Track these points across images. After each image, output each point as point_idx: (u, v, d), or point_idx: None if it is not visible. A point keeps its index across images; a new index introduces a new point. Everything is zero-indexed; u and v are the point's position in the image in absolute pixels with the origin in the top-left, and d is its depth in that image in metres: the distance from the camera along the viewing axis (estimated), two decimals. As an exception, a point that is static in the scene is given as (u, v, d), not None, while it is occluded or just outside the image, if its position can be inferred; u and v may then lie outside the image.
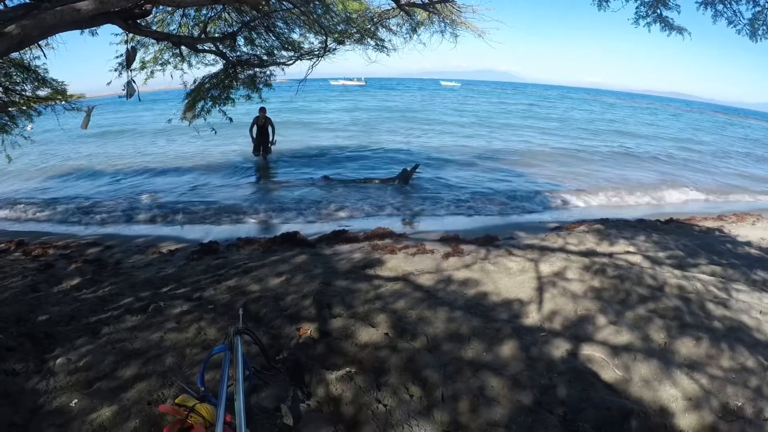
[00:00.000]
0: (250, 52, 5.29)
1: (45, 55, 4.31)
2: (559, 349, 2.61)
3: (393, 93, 49.17)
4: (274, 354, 2.46)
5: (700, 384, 2.33)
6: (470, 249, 4.58)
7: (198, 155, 12.22)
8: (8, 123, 5.16)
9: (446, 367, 2.33)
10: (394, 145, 13.98)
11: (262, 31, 4.99)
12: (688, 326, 2.92)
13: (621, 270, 3.74)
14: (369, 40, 5.18)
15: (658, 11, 4.77)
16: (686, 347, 2.69)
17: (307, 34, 5.09)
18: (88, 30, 3.78)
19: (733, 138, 25.20)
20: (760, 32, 4.67)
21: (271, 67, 5.50)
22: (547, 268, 3.78)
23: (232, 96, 5.59)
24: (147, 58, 4.99)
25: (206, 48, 4.87)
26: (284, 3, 4.41)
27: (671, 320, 2.99)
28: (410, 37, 5.59)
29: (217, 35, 4.86)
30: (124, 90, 4.19)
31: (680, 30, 4.84)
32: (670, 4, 4.68)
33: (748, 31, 4.67)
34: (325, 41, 4.82)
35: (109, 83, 4.56)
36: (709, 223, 6.53)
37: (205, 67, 5.44)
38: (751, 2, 4.58)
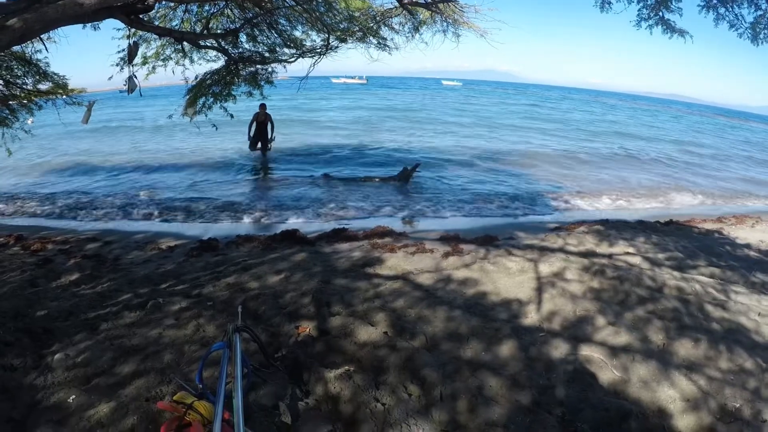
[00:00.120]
0: (252, 48, 5.28)
1: (47, 49, 4.29)
2: (558, 349, 2.61)
3: (394, 92, 49.18)
4: (272, 352, 2.46)
5: (698, 385, 2.34)
6: (470, 248, 4.58)
7: (198, 152, 12.21)
8: (9, 116, 5.14)
9: (445, 367, 2.33)
10: (395, 144, 13.97)
11: (265, 28, 4.97)
12: (686, 328, 2.92)
13: (620, 271, 3.75)
14: (371, 38, 5.17)
15: (660, 14, 4.77)
16: (685, 348, 2.69)
17: (310, 32, 5.07)
18: (90, 24, 3.77)
19: (734, 141, 25.20)
20: (761, 36, 4.67)
21: (272, 64, 5.49)
22: (546, 268, 3.78)
23: (233, 92, 5.58)
24: (149, 54, 4.98)
25: (208, 44, 4.86)
26: (287, 0, 4.40)
27: (670, 321, 2.99)
28: (412, 36, 5.59)
29: (219, 31, 4.84)
30: (125, 85, 4.17)
31: (682, 33, 4.84)
32: (672, 6, 4.68)
33: (749, 35, 4.68)
34: (328, 39, 4.81)
35: (110, 78, 4.55)
36: (709, 225, 6.54)
37: (206, 63, 5.43)
38: (752, 6, 4.58)
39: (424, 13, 5.30)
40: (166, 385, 2.08)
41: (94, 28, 4.10)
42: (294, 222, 6.42)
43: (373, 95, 41.12)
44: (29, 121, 5.55)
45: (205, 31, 4.66)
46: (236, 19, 4.94)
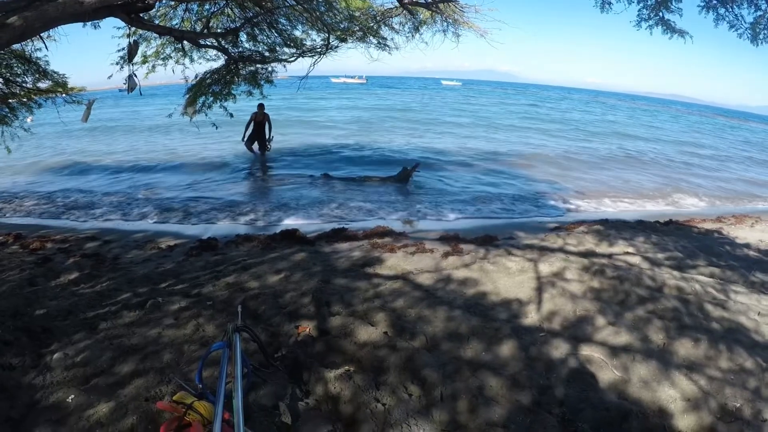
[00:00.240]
0: (252, 48, 5.27)
1: (47, 47, 4.28)
2: (558, 349, 2.61)
3: (394, 91, 49.19)
4: (272, 352, 2.45)
5: (698, 385, 2.34)
6: (470, 248, 4.58)
7: (197, 151, 12.19)
8: (8, 115, 5.13)
9: (445, 367, 2.32)
10: (394, 144, 13.97)
11: (265, 27, 4.96)
12: (686, 327, 2.92)
13: (620, 271, 3.75)
14: (371, 38, 5.16)
15: (660, 14, 4.77)
16: (685, 348, 2.69)
17: (310, 31, 5.06)
18: (90, 23, 3.76)
19: (734, 141, 25.24)
20: (761, 36, 4.67)
21: (272, 64, 5.48)
22: (546, 268, 3.78)
23: (233, 92, 5.57)
24: (149, 53, 4.97)
25: (208, 43, 4.85)
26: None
27: (670, 321, 2.99)
28: (412, 36, 5.58)
29: (219, 31, 4.84)
30: (125, 84, 4.16)
31: (682, 33, 4.84)
32: (672, 7, 4.68)
33: (749, 35, 4.68)
34: (328, 39, 4.80)
35: (110, 77, 4.54)
36: (708, 225, 6.55)
37: (206, 62, 5.42)
38: (752, 6, 4.59)
39: (424, 13, 5.29)
40: (166, 385, 2.07)
41: (94, 27, 4.09)
42: (293, 222, 6.41)
43: (373, 95, 41.13)
44: (29, 120, 5.54)
45: (205, 30, 4.65)
46: (236, 19, 4.94)
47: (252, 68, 5.51)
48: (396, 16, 5.33)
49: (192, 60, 5.21)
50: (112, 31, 4.57)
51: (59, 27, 3.36)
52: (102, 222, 6.41)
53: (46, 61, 4.78)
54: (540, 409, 2.09)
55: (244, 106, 6.58)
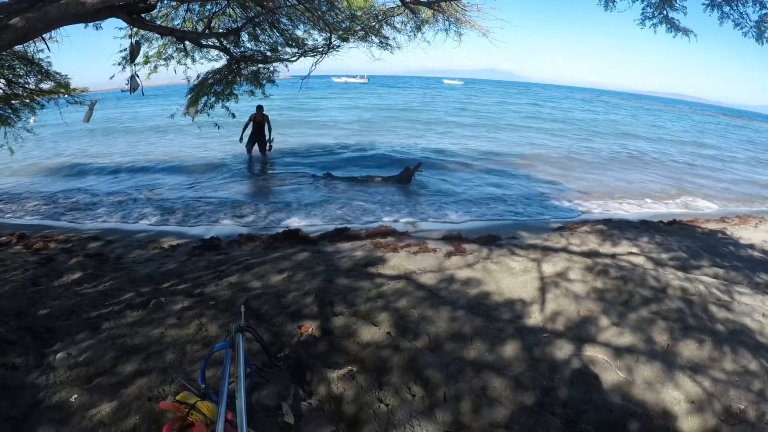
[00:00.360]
0: (254, 48, 5.26)
1: (49, 48, 4.29)
2: (562, 350, 2.60)
3: (395, 91, 49.17)
4: (275, 352, 2.45)
5: (702, 387, 2.32)
6: (473, 248, 4.57)
7: (199, 152, 12.21)
8: (11, 115, 5.14)
9: (448, 367, 2.32)
10: (397, 144, 13.96)
11: (267, 27, 4.96)
12: (690, 328, 2.90)
13: (624, 271, 3.73)
14: (373, 37, 5.15)
15: (665, 12, 4.74)
16: (689, 349, 2.67)
17: (312, 31, 5.06)
18: (92, 24, 3.76)
19: (738, 141, 25.12)
20: (766, 34, 4.64)
21: (274, 64, 5.48)
22: (549, 268, 3.76)
23: (235, 91, 5.57)
24: (151, 53, 4.97)
25: (210, 43, 4.85)
26: (289, -1, 4.39)
27: (674, 322, 2.97)
28: (414, 35, 5.57)
29: (221, 31, 4.83)
30: (127, 84, 4.17)
31: (686, 31, 4.81)
32: (676, 5, 4.65)
33: (754, 33, 4.64)
34: (329, 38, 4.80)
35: (112, 77, 4.55)
36: (712, 225, 6.51)
37: (208, 62, 5.42)
38: (757, 4, 4.55)
39: (426, 12, 5.28)
40: (169, 385, 2.07)
41: (96, 28, 4.09)
42: (296, 221, 6.42)
43: (375, 94, 41.10)
44: (31, 121, 5.55)
45: (207, 31, 4.65)
46: (238, 19, 4.93)
47: (254, 68, 5.51)
48: (398, 15, 5.32)
49: (194, 60, 5.22)
50: (113, 32, 4.58)
51: (61, 28, 3.37)
52: (104, 222, 6.43)
53: (49, 62, 4.80)
54: (543, 410, 2.08)
55: (246, 105, 6.59)
